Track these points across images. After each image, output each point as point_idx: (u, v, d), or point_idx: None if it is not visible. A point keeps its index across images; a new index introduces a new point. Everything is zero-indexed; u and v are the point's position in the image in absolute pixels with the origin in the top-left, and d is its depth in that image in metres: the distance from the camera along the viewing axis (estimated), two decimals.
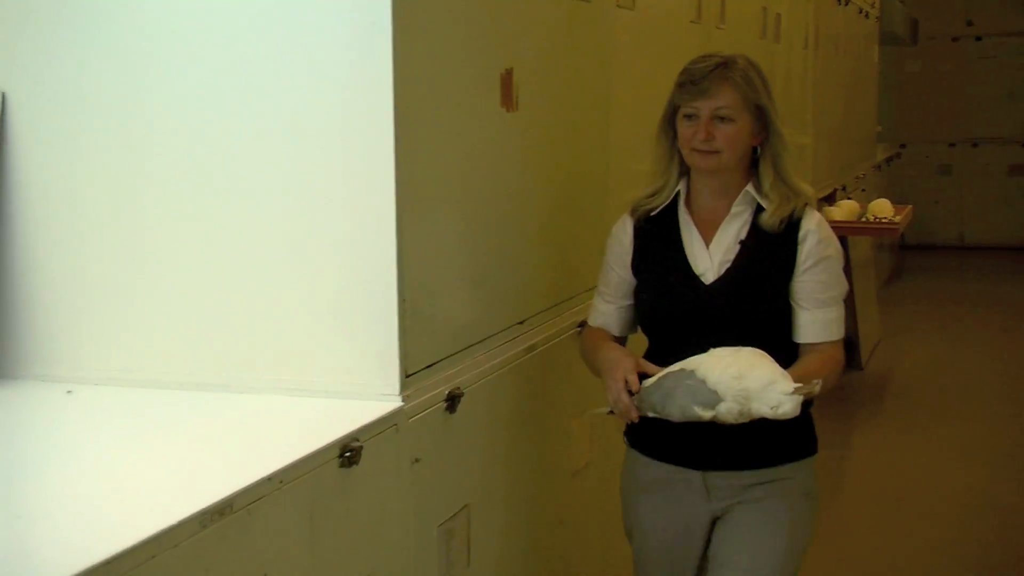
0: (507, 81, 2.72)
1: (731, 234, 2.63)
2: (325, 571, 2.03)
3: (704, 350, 2.49)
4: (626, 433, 2.75)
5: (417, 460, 2.31)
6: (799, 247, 2.60)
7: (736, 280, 2.61)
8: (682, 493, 2.68)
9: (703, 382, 2.42)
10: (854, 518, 5.01)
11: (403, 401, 2.27)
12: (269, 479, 1.86)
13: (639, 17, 3.53)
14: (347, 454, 2.05)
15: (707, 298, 2.60)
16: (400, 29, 2.23)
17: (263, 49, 2.31)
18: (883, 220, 6.60)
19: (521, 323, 2.84)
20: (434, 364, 2.40)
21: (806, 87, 6.48)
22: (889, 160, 10.54)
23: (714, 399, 2.41)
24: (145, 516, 1.69)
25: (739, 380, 2.40)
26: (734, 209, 2.63)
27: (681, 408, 2.44)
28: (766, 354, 2.48)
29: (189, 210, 2.39)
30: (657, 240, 2.68)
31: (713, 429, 2.49)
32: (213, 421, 2.24)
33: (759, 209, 2.63)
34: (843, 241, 7.12)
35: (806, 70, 6.45)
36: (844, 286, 2.67)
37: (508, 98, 2.73)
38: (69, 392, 2.41)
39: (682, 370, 2.46)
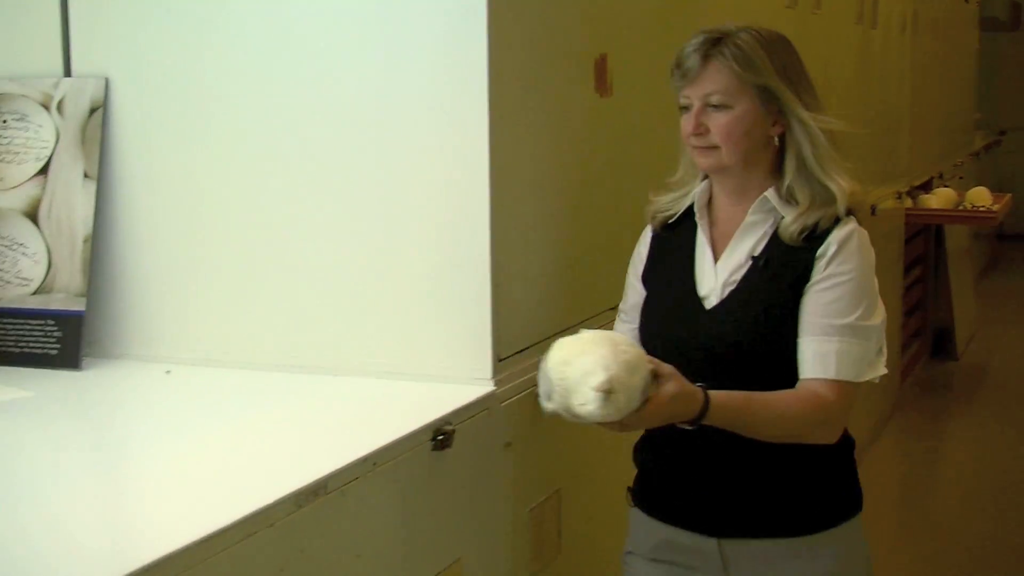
0: (601, 66, 2.72)
1: (744, 248, 2.17)
2: (416, 552, 2.05)
3: (702, 379, 2.07)
4: (630, 488, 2.39)
5: (508, 444, 2.32)
6: (815, 264, 2.11)
7: (739, 306, 2.14)
8: (694, 563, 2.24)
9: (544, 367, 2.01)
10: (947, 511, 4.94)
11: (495, 385, 2.28)
12: (363, 461, 1.87)
13: (731, 1, 3.49)
14: (439, 437, 2.06)
15: (704, 326, 2.15)
16: (495, 14, 2.23)
17: (359, 35, 2.33)
18: (980, 209, 6.50)
19: (613, 308, 2.84)
20: (526, 349, 2.40)
21: (903, 73, 6.38)
22: (988, 148, 10.35)
23: (547, 389, 2.00)
24: (241, 495, 1.71)
25: (564, 367, 1.96)
26: (749, 218, 2.17)
27: (537, 399, 2.06)
28: (625, 339, 2.04)
29: (287, 195, 2.42)
30: (671, 252, 2.26)
31: (728, 484, 2.16)
32: (308, 402, 2.26)
33: (782, 217, 2.16)
34: (939, 230, 7.12)
35: (903, 56, 6.35)
36: (860, 315, 2.10)
37: (602, 83, 2.72)
38: (168, 372, 2.45)
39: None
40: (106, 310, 2.56)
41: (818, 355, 2.08)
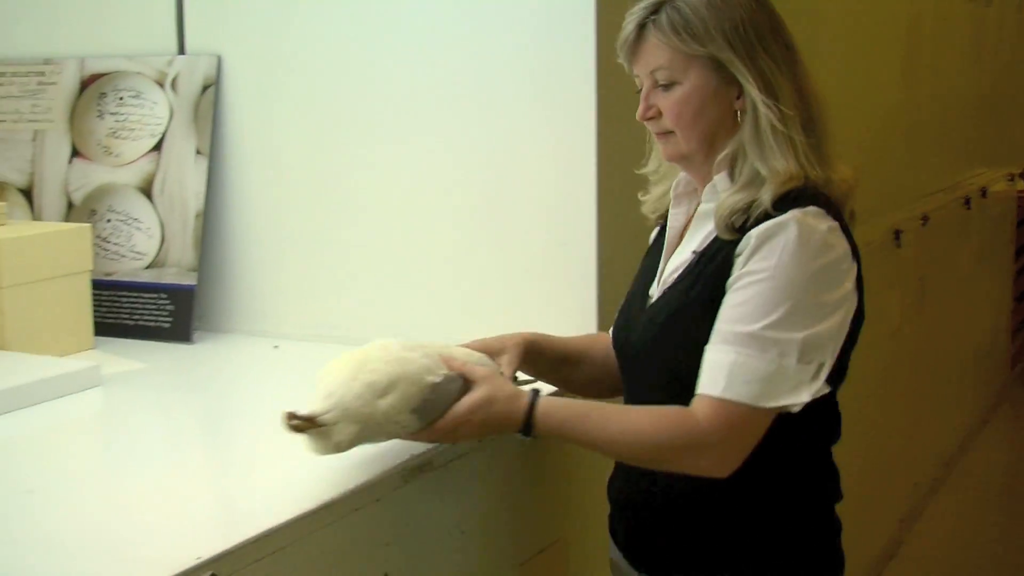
0: None
1: (694, 243, 1.83)
2: (516, 531, 2.06)
3: (633, 395, 1.88)
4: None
5: None
6: (736, 261, 1.72)
7: (660, 308, 1.82)
8: None
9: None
10: None
11: None
12: None
13: None
14: None
15: (637, 327, 1.87)
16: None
17: (470, 13, 2.33)
18: None
19: None
20: None
21: (1018, 53, 6.24)
22: None
23: None
24: (349, 469, 1.73)
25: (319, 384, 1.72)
26: (702, 207, 1.83)
27: None
28: (393, 348, 1.75)
29: (393, 173, 2.44)
30: (651, 250, 2.00)
31: (631, 501, 1.88)
32: None
33: None
34: None
35: (1022, 34, 6.22)
36: (771, 323, 1.65)
37: None
38: (276, 347, 2.49)
39: None
40: (216, 285, 2.61)
41: (710, 367, 1.68)
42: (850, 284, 1.72)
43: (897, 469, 4.51)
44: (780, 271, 1.66)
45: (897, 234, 4.21)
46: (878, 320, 4.09)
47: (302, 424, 1.61)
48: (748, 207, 1.72)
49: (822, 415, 1.78)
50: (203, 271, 2.58)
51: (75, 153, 2.68)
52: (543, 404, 1.73)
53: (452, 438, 1.76)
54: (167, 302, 2.55)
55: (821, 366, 1.68)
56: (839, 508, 1.88)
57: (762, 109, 1.73)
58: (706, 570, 1.80)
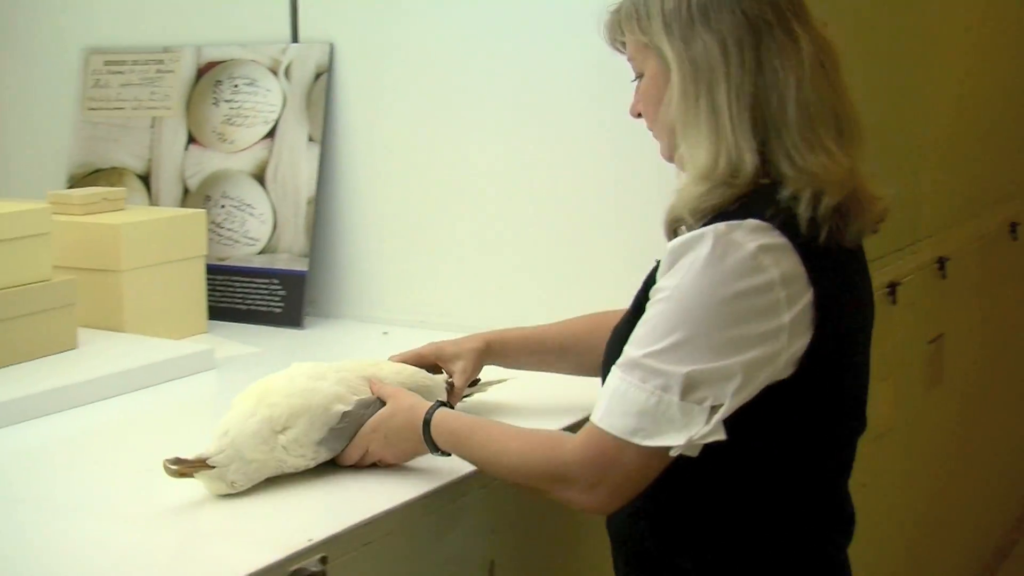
0: None
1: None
2: None
3: None
4: None
5: None
6: (655, 276, 1.54)
7: (620, 325, 1.63)
8: None
9: None
10: None
11: None
12: (574, 426, 1.89)
13: None
14: None
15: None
16: None
17: (576, 6, 2.34)
18: None
19: None
20: None
21: None
22: None
23: None
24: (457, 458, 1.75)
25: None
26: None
27: None
28: (299, 380, 1.70)
29: (500, 162, 2.45)
30: None
31: (623, 537, 1.68)
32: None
33: None
34: None
35: None
36: (658, 350, 1.45)
37: None
38: (385, 333, 2.52)
39: None
40: (327, 271, 2.64)
41: (602, 390, 1.51)
42: (785, 316, 1.45)
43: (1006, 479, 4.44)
44: (681, 293, 1.45)
45: (1013, 227, 4.12)
46: (996, 317, 4.03)
47: (187, 469, 1.56)
48: (675, 220, 1.54)
49: (822, 454, 1.58)
50: (314, 257, 2.61)
51: (191, 140, 2.73)
52: (438, 416, 1.65)
53: (364, 460, 1.70)
54: (279, 287, 2.59)
55: (715, 409, 1.43)
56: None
57: (676, 99, 1.53)
58: None
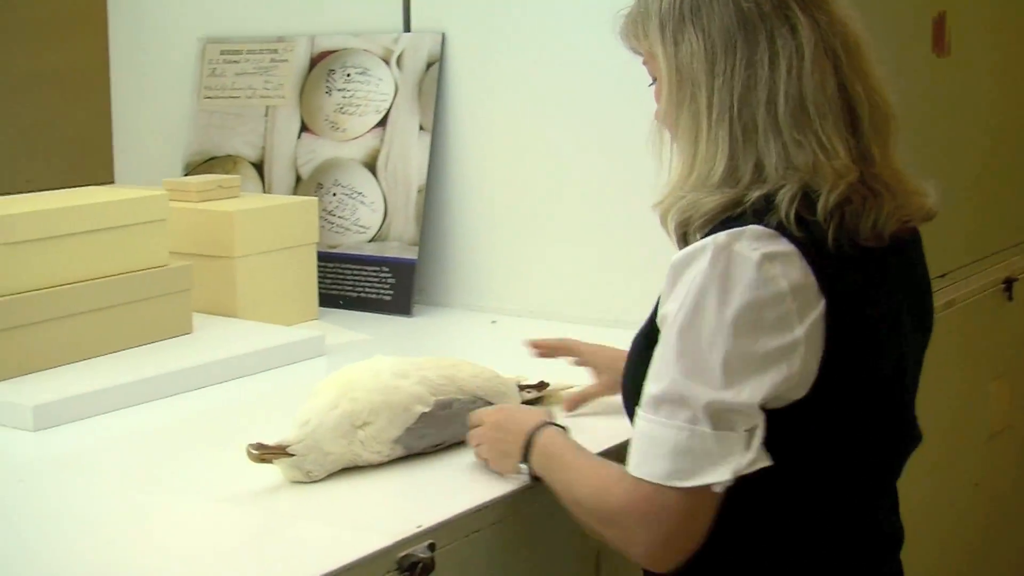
0: (940, 25, 2.62)
1: None
2: None
3: None
4: None
5: None
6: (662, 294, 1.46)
7: (636, 338, 1.57)
8: None
9: None
10: None
11: None
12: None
13: None
14: None
15: None
16: None
17: None
18: None
19: (941, 276, 2.75)
20: None
21: None
22: None
23: None
24: None
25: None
26: None
27: None
28: (383, 375, 1.69)
29: (612, 154, 2.44)
30: None
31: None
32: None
33: None
34: None
35: None
36: (669, 384, 1.37)
37: (940, 43, 2.63)
38: (493, 322, 2.53)
39: None
40: (437, 259, 2.65)
41: (632, 436, 1.42)
42: (799, 330, 1.36)
43: None
44: (686, 318, 1.36)
45: None
46: None
47: (268, 455, 1.58)
48: (691, 215, 1.45)
49: (850, 474, 1.48)
50: (424, 245, 2.63)
51: (304, 128, 2.76)
52: (540, 437, 1.57)
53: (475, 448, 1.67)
54: (389, 275, 2.62)
55: (751, 432, 1.36)
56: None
57: (664, 106, 1.50)
58: None
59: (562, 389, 2.00)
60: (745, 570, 1.47)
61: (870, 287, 1.44)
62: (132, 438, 1.88)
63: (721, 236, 1.37)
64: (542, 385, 1.97)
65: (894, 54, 2.46)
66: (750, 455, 1.36)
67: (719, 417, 1.35)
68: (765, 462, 1.37)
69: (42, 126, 3.89)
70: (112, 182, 3.13)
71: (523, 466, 1.58)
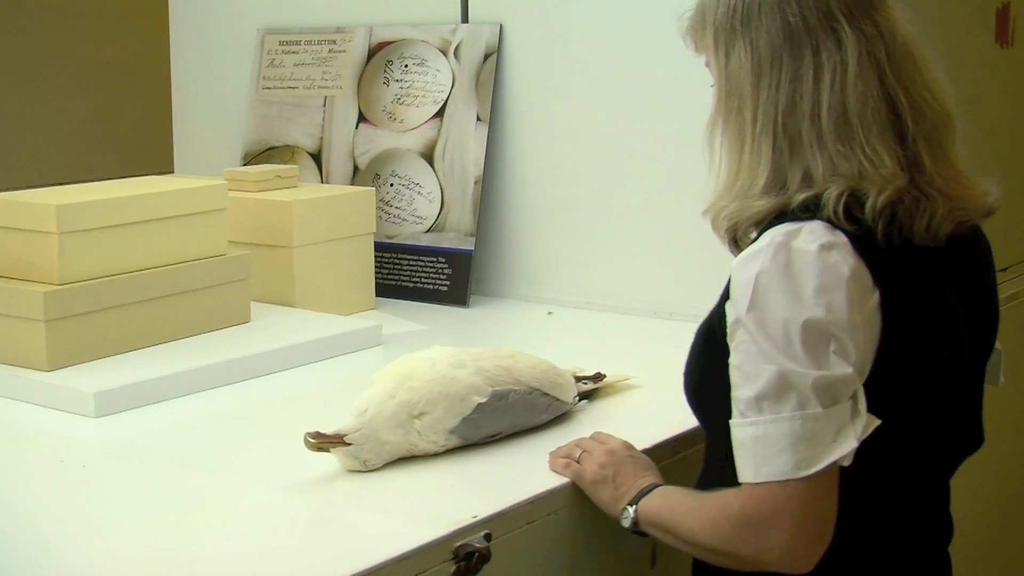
0: (1004, 16, 2.59)
1: None
2: None
3: None
4: None
5: None
6: (727, 293, 1.48)
7: (700, 330, 1.59)
8: None
9: None
10: None
11: None
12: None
13: None
14: None
15: None
16: None
17: None
18: None
19: (1003, 270, 2.72)
20: None
21: None
22: None
23: None
24: (619, 434, 1.75)
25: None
26: None
27: None
28: (440, 365, 1.70)
29: (669, 146, 2.43)
30: None
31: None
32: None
33: None
34: None
35: None
36: (769, 380, 1.38)
37: (1004, 34, 2.60)
38: (550, 313, 2.53)
39: None
40: (493, 250, 2.66)
41: (736, 448, 1.42)
42: (857, 315, 1.38)
43: None
44: (760, 317, 1.38)
45: None
46: None
47: (325, 443, 1.59)
48: (739, 220, 1.49)
49: (909, 468, 1.50)
50: (481, 236, 2.63)
51: (361, 119, 2.77)
52: (643, 506, 1.54)
53: (567, 465, 1.64)
54: (445, 266, 2.62)
55: (855, 398, 1.38)
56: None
57: (713, 114, 1.54)
58: None
59: (618, 381, 1.99)
60: None
61: (924, 283, 1.45)
62: (191, 425, 1.90)
63: (778, 235, 1.40)
64: (598, 377, 1.97)
65: (957, 46, 2.45)
66: (862, 419, 1.38)
67: (824, 393, 1.36)
68: (876, 421, 1.39)
69: (103, 116, 3.93)
70: (171, 172, 3.16)
71: (631, 508, 1.55)
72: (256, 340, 2.18)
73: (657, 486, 1.56)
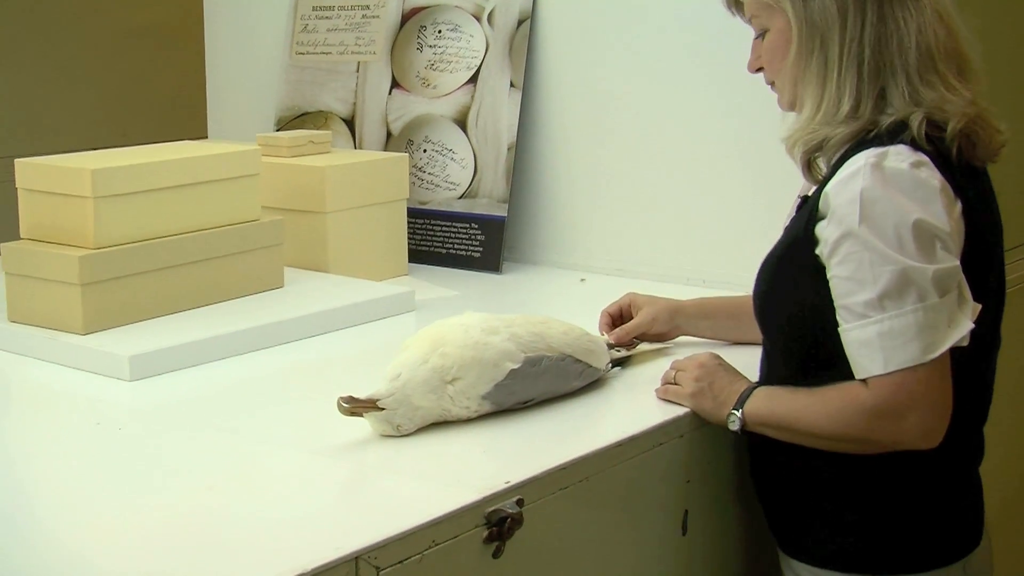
0: None
1: (809, 190, 1.74)
2: None
3: (764, 351, 1.78)
4: None
5: None
6: (815, 218, 1.60)
7: (772, 252, 1.72)
8: None
9: None
10: None
11: None
12: None
13: None
14: None
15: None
16: None
17: None
18: None
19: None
20: None
21: None
22: None
23: None
24: (652, 408, 1.75)
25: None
26: None
27: None
28: (473, 331, 1.71)
29: (702, 113, 2.43)
30: None
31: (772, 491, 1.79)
32: None
33: None
34: None
35: None
36: (889, 280, 1.52)
37: None
38: (582, 280, 2.52)
39: None
40: (526, 217, 2.66)
41: (859, 348, 1.55)
42: (952, 223, 1.55)
43: None
44: (868, 224, 1.53)
45: None
46: None
47: (358, 408, 1.60)
48: (820, 144, 1.63)
49: (969, 374, 1.62)
50: (513, 203, 2.63)
51: (395, 84, 2.77)
52: (750, 405, 1.68)
53: (667, 387, 1.78)
54: (478, 232, 2.62)
55: (960, 286, 1.55)
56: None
57: (793, 55, 1.64)
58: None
59: (652, 348, 1.99)
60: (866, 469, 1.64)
61: (981, 199, 1.64)
62: (224, 390, 1.91)
63: (871, 157, 1.56)
64: (632, 344, 1.97)
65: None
66: (968, 304, 1.56)
67: (939, 284, 1.52)
68: (978, 306, 1.57)
69: (137, 81, 3.94)
70: (205, 137, 3.17)
71: (736, 412, 1.68)
72: (289, 305, 2.18)
73: (755, 388, 1.69)
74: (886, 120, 1.59)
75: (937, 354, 1.52)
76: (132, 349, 1.93)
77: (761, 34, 1.71)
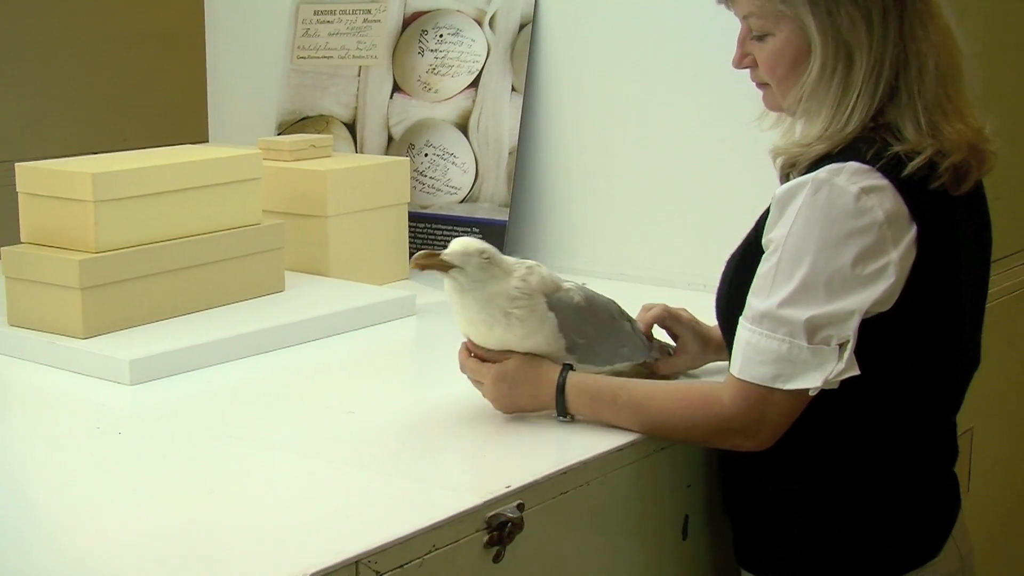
0: None
1: None
2: None
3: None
4: None
5: None
6: (767, 221, 1.60)
7: (732, 257, 1.72)
8: None
9: None
10: None
11: None
12: None
13: None
14: None
15: None
16: None
17: None
18: None
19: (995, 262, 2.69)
20: None
21: None
22: None
23: None
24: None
25: None
26: None
27: None
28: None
29: (705, 118, 2.43)
30: None
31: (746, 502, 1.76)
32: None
33: None
34: None
35: None
36: (783, 299, 1.52)
37: None
38: (584, 284, 2.51)
39: None
40: (527, 221, 2.65)
41: (735, 343, 1.59)
42: (893, 253, 1.51)
43: None
44: (791, 243, 1.52)
45: None
46: None
47: (427, 261, 1.65)
48: (795, 159, 1.59)
49: (924, 386, 1.63)
50: (515, 207, 2.63)
51: (396, 89, 2.77)
52: (572, 379, 1.68)
53: (478, 384, 1.73)
54: (479, 236, 2.61)
55: (842, 346, 1.52)
56: None
57: (816, 71, 1.58)
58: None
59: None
60: (826, 467, 1.63)
61: (950, 223, 1.58)
62: (225, 394, 1.91)
63: (822, 172, 1.52)
64: (664, 348, 1.94)
65: None
66: (840, 365, 1.52)
67: (815, 332, 1.52)
68: (854, 371, 1.53)
69: (138, 85, 3.94)
70: (206, 141, 3.17)
71: (562, 419, 1.68)
72: (290, 309, 2.18)
73: (565, 377, 1.68)
74: (860, 132, 1.55)
75: (784, 387, 1.54)
76: (132, 353, 1.93)
77: (758, 36, 1.63)
